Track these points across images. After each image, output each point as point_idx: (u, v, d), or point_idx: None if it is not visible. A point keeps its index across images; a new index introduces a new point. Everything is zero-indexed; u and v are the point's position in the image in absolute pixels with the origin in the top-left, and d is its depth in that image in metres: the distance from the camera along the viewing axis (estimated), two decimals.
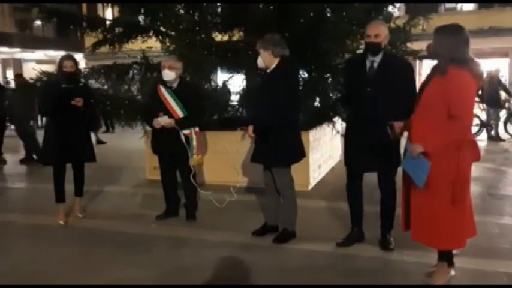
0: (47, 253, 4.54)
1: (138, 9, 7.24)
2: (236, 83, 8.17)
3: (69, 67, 5.08)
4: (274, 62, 4.43)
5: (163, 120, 4.94)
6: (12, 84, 13.98)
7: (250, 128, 4.45)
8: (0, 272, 4.09)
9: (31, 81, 7.41)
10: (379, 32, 4.06)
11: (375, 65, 4.11)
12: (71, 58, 5.19)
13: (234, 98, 8.64)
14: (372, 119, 4.04)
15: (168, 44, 7.61)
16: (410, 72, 4.18)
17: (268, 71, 4.48)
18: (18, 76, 10.24)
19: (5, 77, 20.67)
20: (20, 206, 6.27)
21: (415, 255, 4.12)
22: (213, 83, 8.21)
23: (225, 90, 9.40)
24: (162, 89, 5.05)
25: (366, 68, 4.15)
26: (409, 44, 7.13)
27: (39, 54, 27.95)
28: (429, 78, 3.46)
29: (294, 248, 4.46)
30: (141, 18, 7.84)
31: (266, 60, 4.42)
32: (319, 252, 4.37)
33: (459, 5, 18.69)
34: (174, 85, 5.07)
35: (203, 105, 5.52)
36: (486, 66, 13.30)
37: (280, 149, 4.43)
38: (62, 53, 5.43)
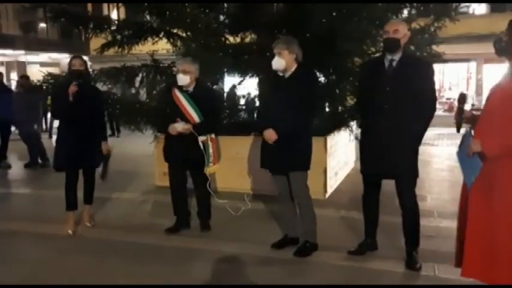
0: (55, 264, 4.33)
1: (151, 10, 7.02)
2: (245, 86, 7.96)
3: (78, 65, 5.01)
4: (293, 67, 4.24)
5: (180, 126, 4.68)
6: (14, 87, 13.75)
7: (273, 133, 4.19)
8: (9, 284, 3.90)
9: (38, 83, 7.22)
10: (397, 28, 3.86)
11: (394, 63, 3.90)
12: (79, 57, 5.14)
13: (241, 102, 8.45)
14: (391, 121, 3.82)
15: (179, 47, 7.37)
16: (431, 72, 3.94)
17: (286, 75, 4.25)
18: (25, 78, 10.02)
19: (8, 80, 20.53)
20: (26, 214, 6.01)
21: (448, 270, 3.83)
22: (220, 87, 8.00)
23: (233, 94, 9.19)
24: (178, 93, 4.80)
25: (384, 68, 3.93)
26: (434, 47, 6.85)
27: (44, 56, 27.91)
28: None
29: (316, 262, 4.21)
30: (150, 18, 7.63)
31: (288, 63, 4.20)
32: (342, 267, 4.12)
33: (471, 9, 18.47)
34: (190, 89, 4.82)
35: (220, 109, 5.28)
36: (498, 71, 12.94)
37: (301, 153, 4.26)
38: (66, 55, 5.35)
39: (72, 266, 4.28)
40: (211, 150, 4.82)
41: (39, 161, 9.42)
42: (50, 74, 6.99)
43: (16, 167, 9.44)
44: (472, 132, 3.16)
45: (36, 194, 7.28)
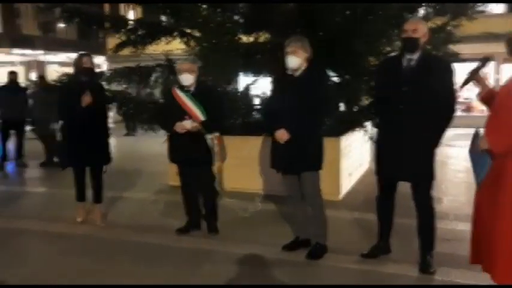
0: (65, 264, 4.32)
1: (164, 10, 7.02)
2: (259, 86, 7.89)
3: (89, 63, 5.13)
4: (304, 65, 4.19)
5: (189, 124, 4.64)
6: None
7: (285, 132, 4.12)
8: (14, 282, 3.90)
9: (52, 82, 7.30)
10: (417, 27, 3.75)
11: (412, 63, 3.78)
12: (89, 55, 5.24)
13: (256, 102, 8.38)
14: (407, 122, 3.73)
15: (192, 46, 7.35)
16: (450, 73, 3.80)
17: (296, 74, 4.19)
18: (41, 78, 10.17)
19: (28, 80, 20.79)
20: (39, 213, 6.05)
21: (464, 275, 3.75)
22: (235, 87, 7.95)
23: (247, 94, 9.10)
24: (179, 93, 4.75)
25: (402, 67, 3.82)
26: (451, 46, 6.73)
27: (62, 56, 28.12)
28: None
29: (328, 265, 4.15)
30: (164, 18, 7.64)
31: (302, 61, 4.15)
32: (354, 270, 4.04)
33: (488, 8, 18.11)
34: (192, 88, 4.79)
35: (223, 108, 5.24)
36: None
37: (313, 153, 4.21)
38: None
39: (80, 265, 4.27)
40: (217, 149, 4.79)
41: (55, 159, 9.48)
42: (65, 74, 7.04)
43: (32, 166, 9.52)
44: (481, 130, 3.13)
45: (50, 192, 7.32)
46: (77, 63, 5.15)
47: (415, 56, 3.78)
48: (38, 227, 5.39)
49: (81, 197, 5.44)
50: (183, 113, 4.68)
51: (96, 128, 5.16)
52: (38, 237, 5.13)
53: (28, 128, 10.02)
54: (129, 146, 12.46)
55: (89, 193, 5.45)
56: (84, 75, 5.11)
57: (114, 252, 4.59)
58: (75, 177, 5.33)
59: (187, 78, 4.71)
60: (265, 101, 6.69)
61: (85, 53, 5.30)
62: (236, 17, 7.37)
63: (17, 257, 4.54)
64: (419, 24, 3.82)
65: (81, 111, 4.97)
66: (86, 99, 4.94)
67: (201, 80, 4.93)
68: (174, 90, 4.81)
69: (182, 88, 4.77)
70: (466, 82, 3.39)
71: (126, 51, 7.83)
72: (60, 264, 4.31)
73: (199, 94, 4.76)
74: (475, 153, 3.13)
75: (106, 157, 5.32)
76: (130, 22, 7.76)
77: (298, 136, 4.10)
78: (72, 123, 5.17)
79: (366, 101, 6.85)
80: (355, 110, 6.96)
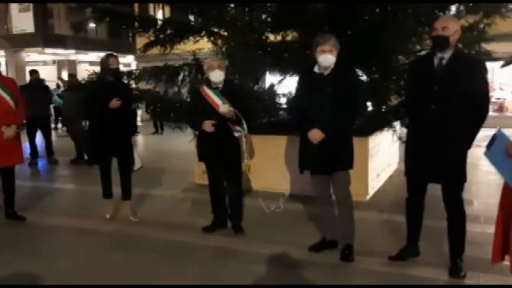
0: (91, 260, 4.40)
1: (192, 9, 7.06)
2: (287, 85, 7.86)
3: (116, 64, 5.27)
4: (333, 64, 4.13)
5: (225, 108, 4.61)
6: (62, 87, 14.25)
7: (319, 132, 4.06)
8: (45, 279, 3.96)
9: (83, 81, 7.44)
10: (447, 25, 3.66)
11: (444, 62, 3.69)
12: (115, 56, 5.37)
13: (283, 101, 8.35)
14: (439, 121, 3.65)
15: (220, 45, 7.36)
16: (483, 71, 3.71)
17: (326, 72, 4.12)
18: (72, 76, 10.40)
19: (60, 78, 21.21)
20: (68, 209, 6.19)
21: (495, 279, 3.66)
22: (262, 85, 7.93)
23: (273, 93, 9.10)
24: (208, 90, 4.77)
25: (433, 66, 3.74)
26: (483, 45, 6.56)
27: (93, 55, 28.66)
28: None
29: (355, 267, 4.09)
30: (192, 18, 7.69)
31: (335, 60, 4.09)
32: (382, 273, 3.97)
33: None
34: (220, 86, 4.80)
35: (251, 106, 5.23)
36: None
37: (345, 152, 4.18)
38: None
39: (107, 261, 4.33)
40: (245, 147, 4.80)
41: (86, 157, 9.64)
42: (94, 73, 7.15)
43: (62, 163, 9.71)
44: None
45: (80, 189, 7.44)
46: (103, 64, 5.28)
47: (447, 55, 3.70)
48: (67, 223, 5.50)
49: (107, 194, 5.52)
50: (212, 111, 4.69)
51: (121, 126, 5.25)
52: (67, 233, 5.23)
53: (59, 126, 10.25)
54: (157, 145, 12.61)
55: (117, 190, 5.53)
56: (110, 76, 5.25)
57: (140, 248, 4.64)
58: (100, 174, 5.42)
59: (218, 75, 4.73)
60: (292, 100, 6.65)
61: (111, 53, 5.42)
62: (264, 16, 7.35)
63: (46, 252, 4.63)
64: (450, 22, 3.72)
65: (107, 111, 5.08)
66: (115, 103, 5.06)
67: (228, 78, 4.94)
68: (202, 88, 4.83)
69: (210, 86, 4.79)
70: (507, 63, 3.29)
71: (154, 51, 7.91)
72: (88, 260, 4.38)
73: (227, 91, 4.77)
74: (503, 155, 3.02)
75: (130, 153, 5.43)
76: (159, 22, 7.84)
77: (332, 135, 4.05)
78: (99, 121, 5.25)
79: (394, 101, 6.74)
80: (383, 109, 6.86)
